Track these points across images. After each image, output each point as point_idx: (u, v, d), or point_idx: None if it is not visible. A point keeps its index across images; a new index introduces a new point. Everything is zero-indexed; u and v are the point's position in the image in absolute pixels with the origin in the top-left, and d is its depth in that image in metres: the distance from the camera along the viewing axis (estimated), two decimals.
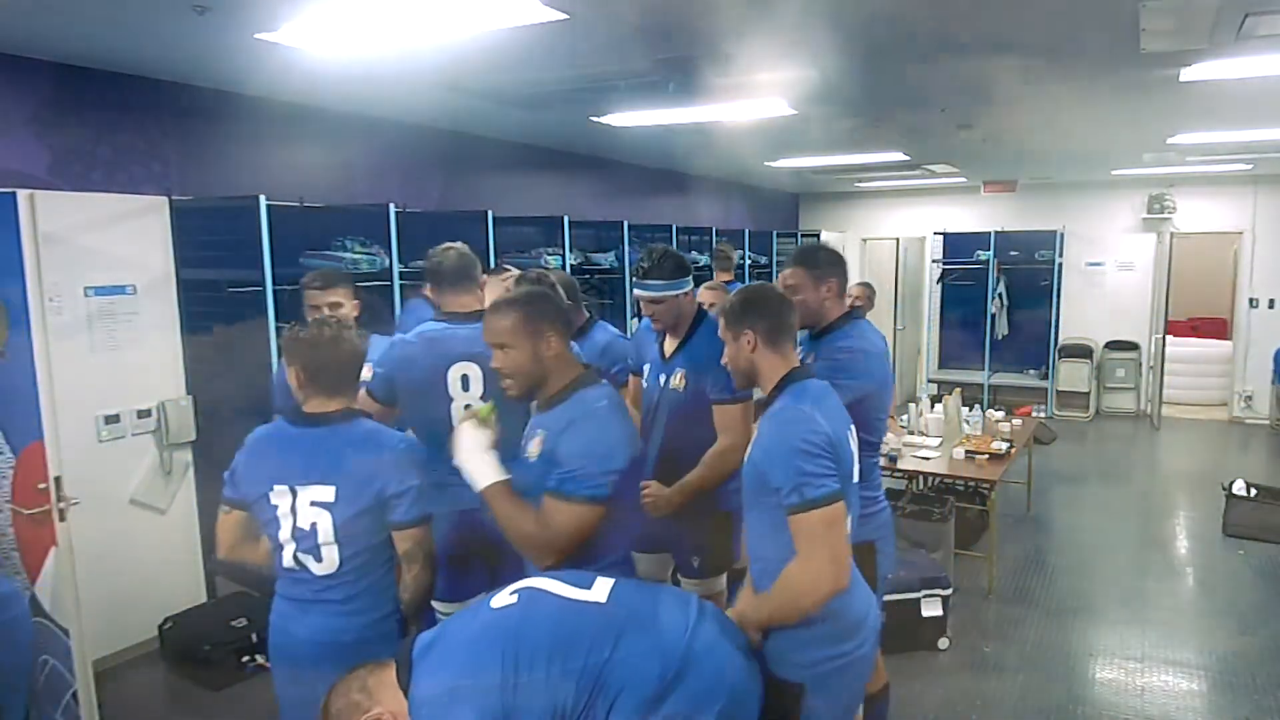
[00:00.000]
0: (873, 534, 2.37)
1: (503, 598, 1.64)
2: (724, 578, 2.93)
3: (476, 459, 2.01)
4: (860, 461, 2.02)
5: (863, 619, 1.92)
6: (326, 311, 2.78)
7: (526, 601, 1.63)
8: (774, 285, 2.32)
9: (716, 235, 7.68)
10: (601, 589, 1.66)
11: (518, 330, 2.00)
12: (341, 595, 2.01)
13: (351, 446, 2.01)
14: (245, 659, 3.62)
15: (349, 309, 2.90)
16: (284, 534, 2.00)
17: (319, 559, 1.99)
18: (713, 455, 2.61)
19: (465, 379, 2.54)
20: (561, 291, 2.64)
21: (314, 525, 1.98)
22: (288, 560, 2.01)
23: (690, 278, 2.73)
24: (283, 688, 2.09)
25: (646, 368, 2.85)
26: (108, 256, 3.63)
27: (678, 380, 2.68)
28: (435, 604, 2.42)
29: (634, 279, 2.81)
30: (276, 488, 1.99)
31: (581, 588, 1.66)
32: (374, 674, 1.59)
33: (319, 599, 2.01)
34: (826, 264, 2.53)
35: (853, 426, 2.00)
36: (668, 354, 2.76)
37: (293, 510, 1.99)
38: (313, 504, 1.97)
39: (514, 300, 2.07)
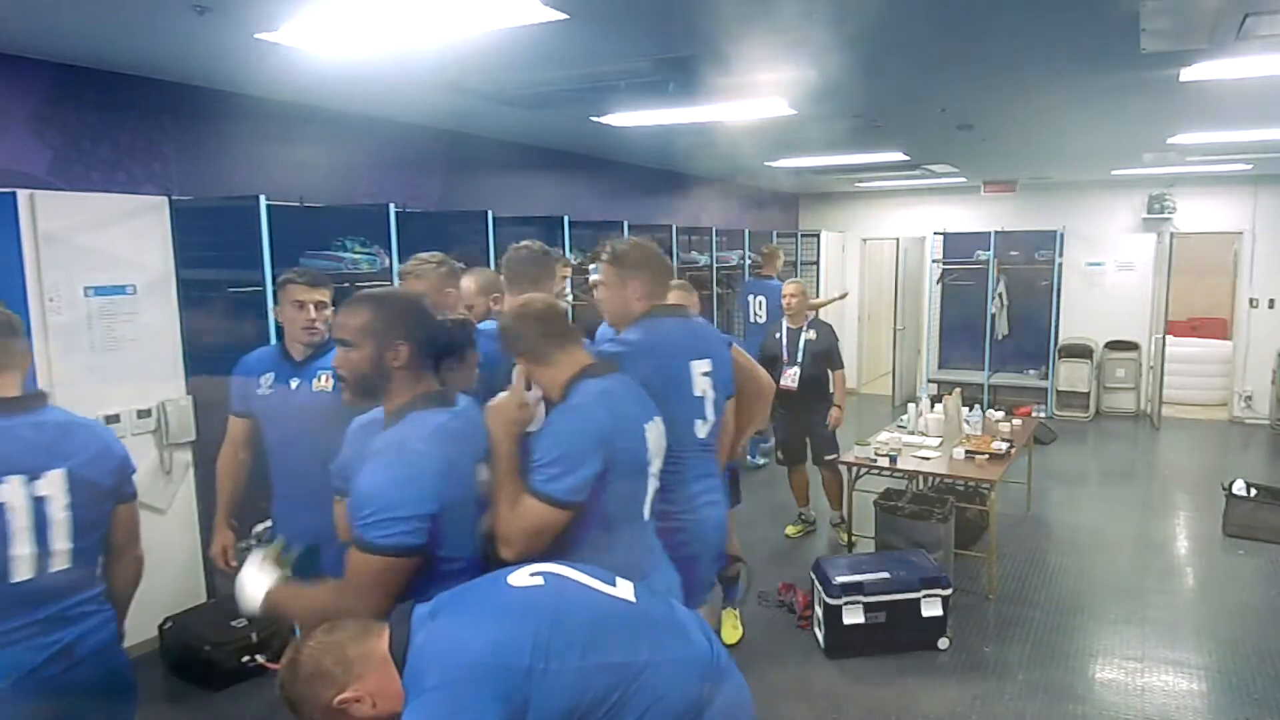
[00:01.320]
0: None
1: (522, 576, 1.53)
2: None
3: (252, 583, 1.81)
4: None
5: None
6: (313, 311, 2.73)
7: (555, 585, 1.52)
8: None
9: (716, 235, 7.68)
10: (626, 589, 1.59)
11: (365, 329, 1.76)
12: None
13: None
14: (245, 659, 3.62)
15: (331, 311, 2.77)
16: None
17: None
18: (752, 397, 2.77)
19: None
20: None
21: None
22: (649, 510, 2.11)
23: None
24: None
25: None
26: (108, 256, 3.63)
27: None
28: None
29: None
30: None
31: (606, 583, 1.57)
32: (355, 643, 1.41)
33: None
34: (632, 263, 2.45)
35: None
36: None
37: None
38: None
39: (372, 297, 1.86)
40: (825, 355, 5.28)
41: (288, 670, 1.43)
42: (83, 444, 1.89)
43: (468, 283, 2.87)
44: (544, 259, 2.78)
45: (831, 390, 5.28)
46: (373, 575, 1.60)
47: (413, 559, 1.61)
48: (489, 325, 2.50)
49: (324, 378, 2.70)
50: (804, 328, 5.34)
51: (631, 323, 2.39)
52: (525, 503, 1.79)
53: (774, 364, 5.24)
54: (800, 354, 5.29)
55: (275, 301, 2.90)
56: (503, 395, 1.91)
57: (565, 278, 3.17)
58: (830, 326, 5.45)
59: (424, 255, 2.90)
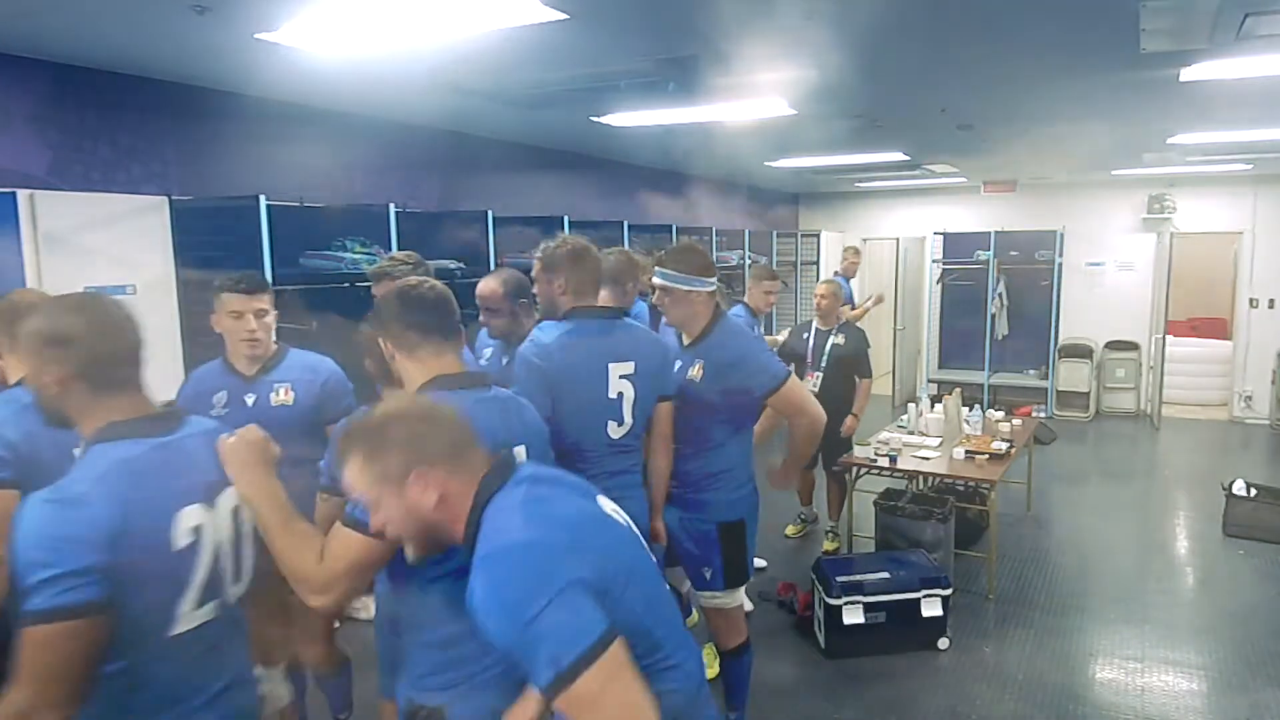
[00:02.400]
0: None
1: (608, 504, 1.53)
2: (743, 590, 2.94)
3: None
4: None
5: None
6: (253, 321, 2.56)
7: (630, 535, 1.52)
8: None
9: (716, 235, 7.69)
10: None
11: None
12: None
13: None
14: None
15: (273, 318, 2.66)
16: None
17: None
18: (803, 438, 2.77)
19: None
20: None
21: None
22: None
23: (710, 280, 2.73)
24: None
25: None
26: (108, 256, 3.62)
27: (695, 371, 2.69)
28: None
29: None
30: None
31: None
32: (451, 464, 1.41)
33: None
34: (558, 261, 2.54)
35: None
36: (686, 344, 2.79)
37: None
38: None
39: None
40: (852, 362, 5.05)
41: (386, 415, 1.44)
42: None
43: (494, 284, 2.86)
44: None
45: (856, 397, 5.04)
46: (349, 555, 1.60)
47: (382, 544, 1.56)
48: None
49: (282, 391, 2.59)
50: (833, 331, 5.14)
51: (560, 319, 2.50)
52: (340, 537, 1.60)
53: (799, 365, 5.13)
54: (825, 358, 5.09)
55: (212, 310, 2.67)
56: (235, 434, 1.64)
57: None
58: (862, 332, 5.21)
59: (399, 254, 2.87)
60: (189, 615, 1.46)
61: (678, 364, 2.73)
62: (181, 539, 1.45)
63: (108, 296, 1.56)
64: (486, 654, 1.71)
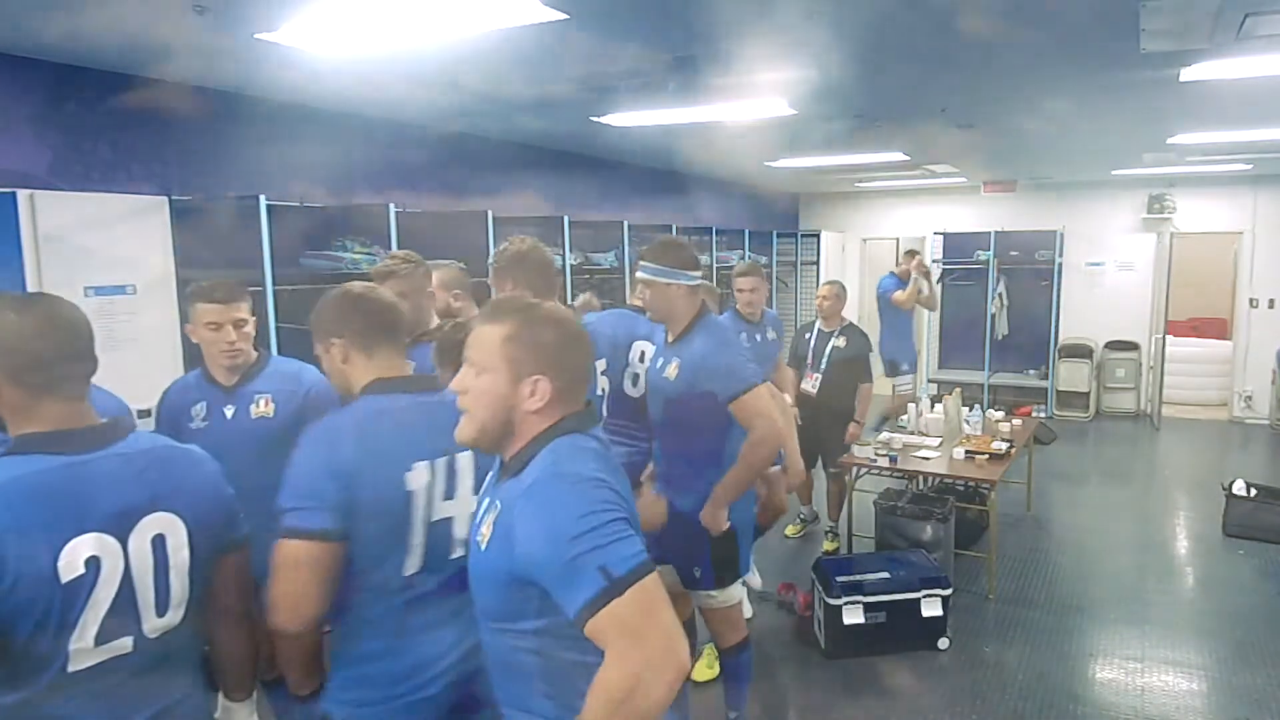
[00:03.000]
0: None
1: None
2: (738, 587, 2.90)
3: None
4: None
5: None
6: (233, 332, 2.46)
7: None
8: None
9: (717, 235, 7.68)
10: None
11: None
12: None
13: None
14: None
15: (252, 326, 2.56)
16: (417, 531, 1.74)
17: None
18: (748, 449, 2.58)
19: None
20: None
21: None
22: (414, 566, 1.73)
23: (692, 274, 2.71)
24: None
25: (652, 349, 2.91)
26: (108, 256, 3.62)
27: (671, 369, 2.68)
28: None
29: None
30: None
31: None
32: (566, 391, 1.44)
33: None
34: (504, 263, 2.61)
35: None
36: (668, 341, 2.78)
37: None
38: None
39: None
40: (851, 365, 4.99)
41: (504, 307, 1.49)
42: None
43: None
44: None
45: (857, 402, 4.99)
46: (283, 565, 1.61)
47: (311, 544, 1.60)
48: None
49: (263, 402, 2.49)
50: (835, 332, 5.09)
51: None
52: (285, 551, 1.60)
53: (801, 365, 5.15)
54: (825, 360, 5.07)
55: (186, 319, 2.58)
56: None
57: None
58: (865, 335, 5.16)
59: (400, 254, 2.82)
60: (89, 652, 1.35)
61: (659, 361, 2.75)
62: (69, 571, 1.32)
63: (56, 298, 1.49)
64: (405, 679, 1.72)
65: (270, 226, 3.74)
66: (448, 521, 1.77)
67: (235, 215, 3.78)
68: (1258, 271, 9.09)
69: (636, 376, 2.97)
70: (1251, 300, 9.15)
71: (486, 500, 1.49)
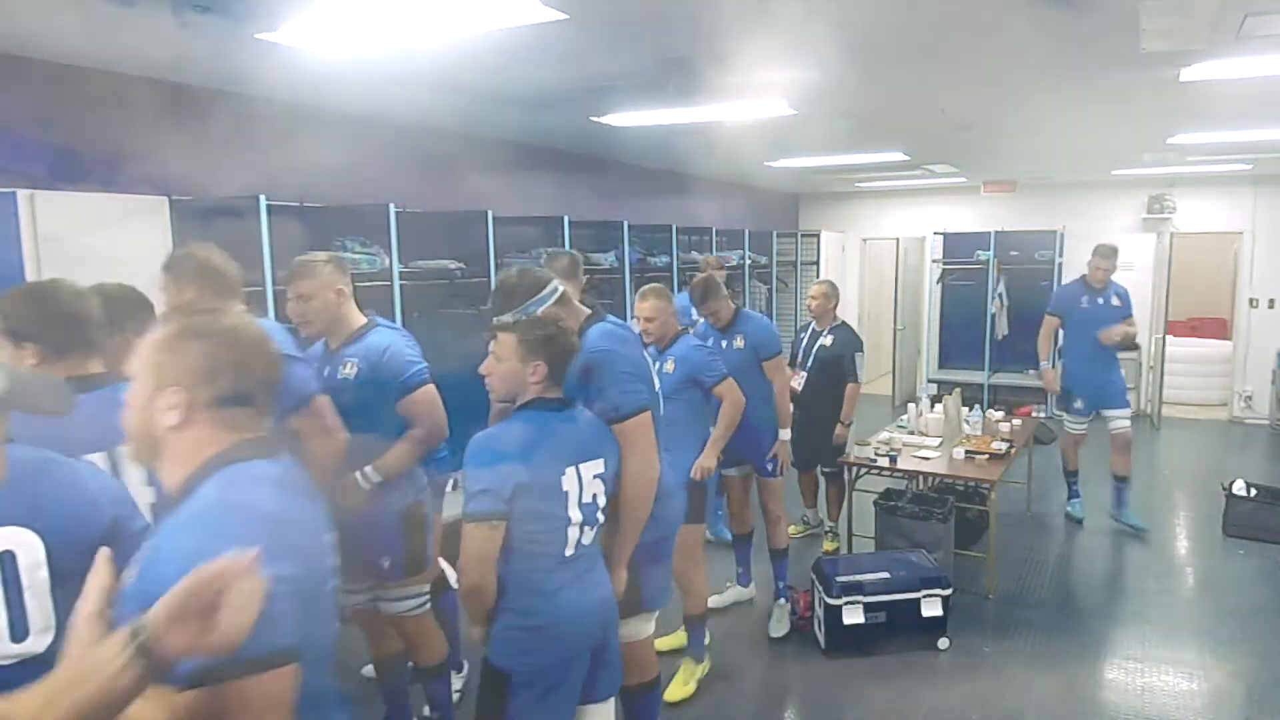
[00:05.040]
0: None
1: None
2: (652, 620, 2.74)
3: None
4: None
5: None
6: (297, 305, 2.77)
7: None
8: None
9: (716, 235, 7.68)
10: None
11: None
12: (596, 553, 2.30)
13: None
14: None
15: (321, 300, 2.80)
16: (573, 514, 2.14)
17: (596, 528, 2.24)
18: (627, 486, 2.37)
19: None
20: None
21: (595, 496, 2.21)
22: (571, 545, 2.16)
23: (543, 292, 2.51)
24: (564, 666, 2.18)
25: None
26: (108, 256, 3.61)
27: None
28: None
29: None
30: (568, 470, 2.15)
31: None
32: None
33: (594, 563, 2.27)
34: (178, 273, 2.66)
35: None
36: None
37: (580, 487, 2.17)
38: (595, 476, 2.21)
39: None
40: (835, 365, 4.99)
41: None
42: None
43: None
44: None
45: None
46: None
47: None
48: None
49: (349, 365, 2.77)
50: (824, 331, 5.10)
51: None
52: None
53: (792, 363, 5.19)
54: (810, 359, 5.08)
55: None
56: None
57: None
58: (854, 336, 5.14)
59: (317, 255, 2.84)
60: None
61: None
62: None
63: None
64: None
65: (270, 226, 3.73)
66: None
67: (235, 215, 3.78)
68: (1258, 271, 9.09)
69: None
70: (1251, 300, 9.14)
71: None
